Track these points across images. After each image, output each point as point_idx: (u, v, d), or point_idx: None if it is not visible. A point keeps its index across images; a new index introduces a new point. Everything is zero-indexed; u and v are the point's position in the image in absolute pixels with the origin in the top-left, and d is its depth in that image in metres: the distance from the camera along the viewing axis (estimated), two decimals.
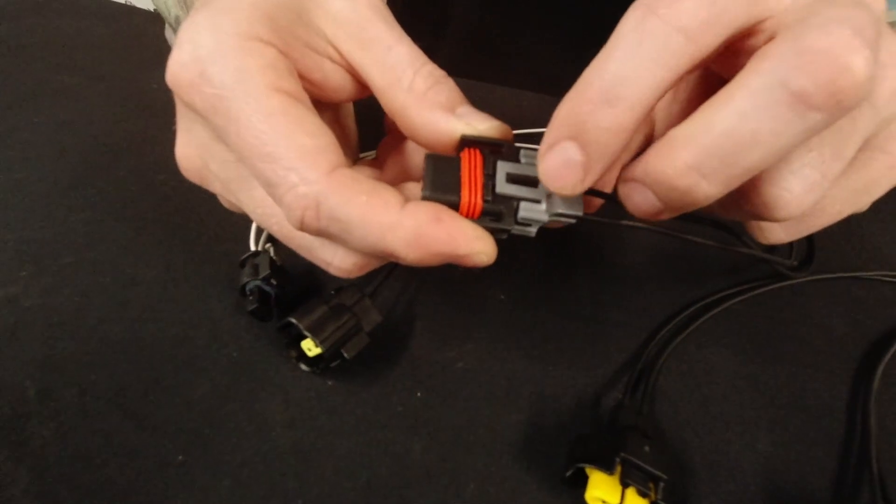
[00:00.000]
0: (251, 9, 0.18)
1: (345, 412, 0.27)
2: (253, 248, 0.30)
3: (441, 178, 0.19)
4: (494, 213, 0.19)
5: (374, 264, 0.21)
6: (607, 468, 0.23)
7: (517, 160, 0.19)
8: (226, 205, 0.23)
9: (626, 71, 0.15)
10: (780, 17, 0.15)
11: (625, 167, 0.18)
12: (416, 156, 0.23)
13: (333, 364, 0.26)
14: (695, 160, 0.15)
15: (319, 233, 0.18)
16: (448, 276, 0.32)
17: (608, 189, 0.21)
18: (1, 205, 0.32)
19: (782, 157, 0.15)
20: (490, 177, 0.19)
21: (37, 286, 0.29)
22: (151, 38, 0.45)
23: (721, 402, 0.29)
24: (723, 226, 0.24)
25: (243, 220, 0.27)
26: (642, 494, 0.23)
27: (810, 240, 0.31)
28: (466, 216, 0.19)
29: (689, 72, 0.16)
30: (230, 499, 0.24)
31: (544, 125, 0.17)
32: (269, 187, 0.18)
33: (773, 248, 0.29)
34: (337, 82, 0.21)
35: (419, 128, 0.20)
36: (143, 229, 0.32)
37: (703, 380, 0.29)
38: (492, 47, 0.50)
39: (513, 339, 0.30)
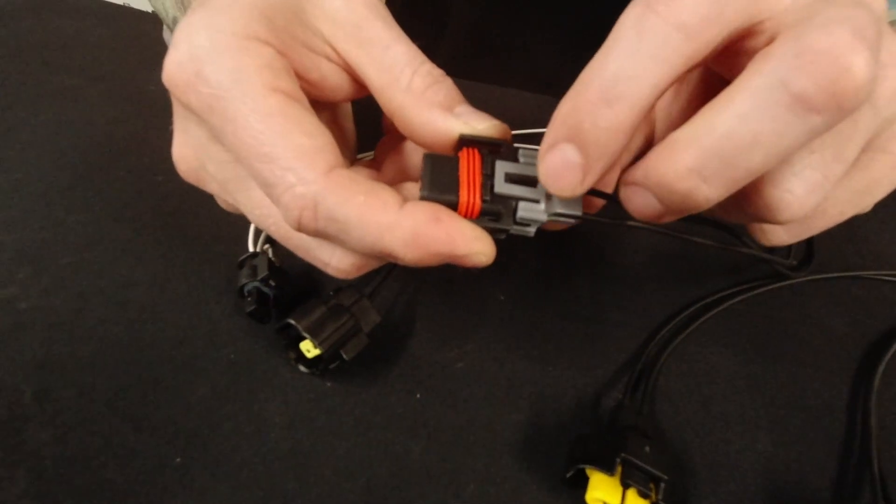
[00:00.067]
0: (248, 8, 0.18)
1: (344, 413, 0.27)
2: (251, 249, 0.30)
3: (439, 177, 0.19)
4: (493, 213, 0.19)
5: (373, 265, 0.21)
6: (608, 469, 0.23)
7: (516, 160, 0.19)
8: (223, 205, 0.23)
9: (625, 70, 0.15)
10: (781, 18, 0.15)
11: (626, 169, 0.18)
12: (414, 156, 0.23)
13: (332, 365, 0.26)
14: (695, 163, 0.15)
15: (317, 233, 0.18)
16: (447, 276, 0.32)
17: (609, 189, 0.21)
18: None
19: (784, 159, 0.15)
20: (489, 177, 0.19)
21: (35, 287, 0.29)
22: (149, 40, 0.45)
23: (721, 401, 0.29)
24: (722, 226, 0.24)
25: (242, 222, 0.27)
26: (643, 495, 0.23)
27: (810, 240, 0.31)
28: (465, 216, 0.18)
29: (689, 70, 0.16)
30: (229, 500, 0.24)
31: (543, 125, 0.17)
32: (267, 188, 0.18)
33: (772, 248, 0.29)
34: (335, 82, 0.21)
35: (417, 127, 0.20)
36: (142, 230, 0.32)
37: (704, 380, 0.29)
38: (491, 47, 0.50)
39: (512, 340, 0.30)
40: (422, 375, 0.28)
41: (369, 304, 0.27)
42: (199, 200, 0.31)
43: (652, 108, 0.16)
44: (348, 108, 0.25)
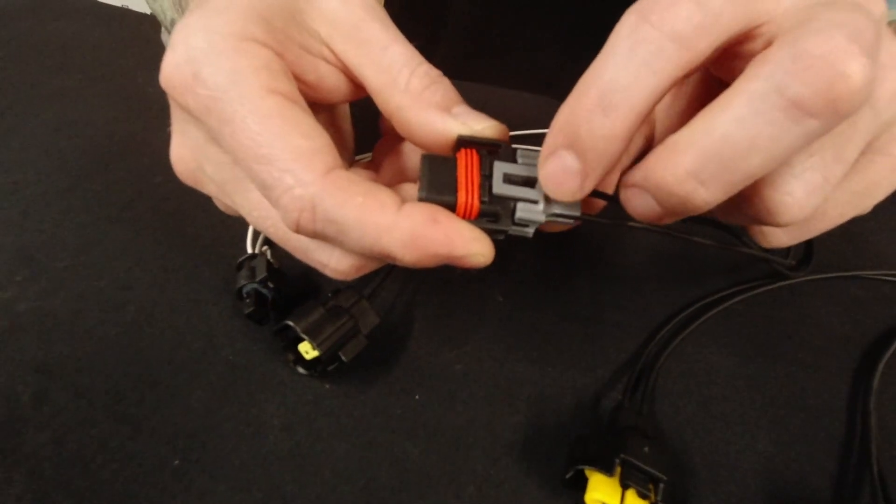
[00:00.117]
0: (245, 10, 0.18)
1: (343, 415, 0.27)
2: (250, 250, 0.30)
3: (437, 178, 0.18)
4: (491, 214, 0.19)
5: (371, 266, 0.21)
6: (607, 469, 0.23)
7: (514, 161, 0.19)
8: (221, 207, 0.23)
9: (620, 79, 0.15)
10: (779, 21, 0.15)
11: (625, 171, 0.18)
12: (412, 157, 0.23)
13: (331, 367, 0.26)
14: (693, 167, 0.15)
15: (315, 235, 0.18)
16: (446, 277, 0.32)
17: (609, 190, 0.21)
18: None
19: (782, 163, 0.15)
20: (487, 177, 0.19)
21: (32, 290, 0.29)
22: (147, 41, 0.45)
23: (721, 402, 0.29)
24: (722, 225, 0.24)
25: (240, 223, 0.27)
26: (642, 496, 0.22)
27: (809, 240, 0.31)
28: (463, 217, 0.18)
29: (685, 77, 0.16)
30: (228, 502, 0.24)
31: (543, 126, 0.17)
32: (265, 189, 0.18)
33: (771, 248, 0.29)
34: (332, 83, 0.21)
35: (415, 128, 0.20)
36: (140, 232, 0.32)
37: (703, 380, 0.29)
38: (490, 47, 0.50)
39: (512, 341, 0.30)
40: (421, 377, 0.28)
41: (368, 305, 0.27)
42: (198, 202, 0.31)
43: (649, 114, 0.16)
44: (346, 109, 0.25)
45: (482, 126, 0.19)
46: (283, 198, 0.17)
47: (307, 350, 0.26)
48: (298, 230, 0.18)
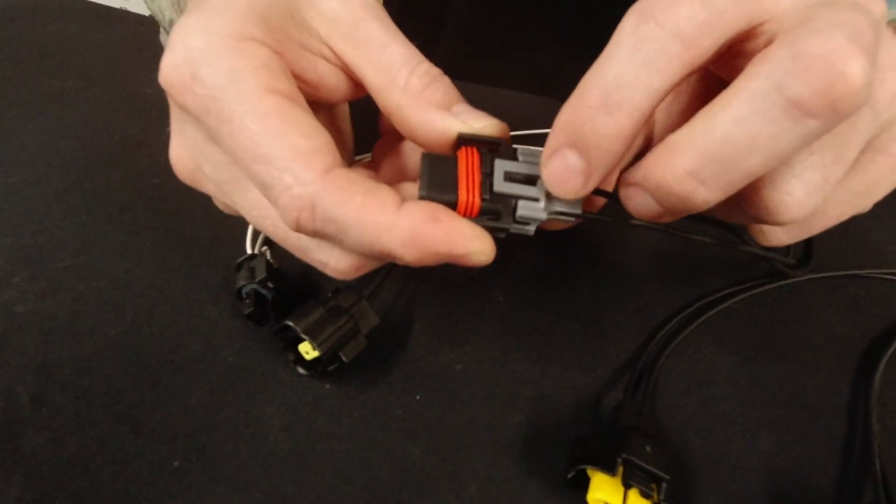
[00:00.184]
0: (244, 9, 0.18)
1: (343, 415, 0.27)
2: (249, 250, 0.30)
3: (438, 177, 0.18)
4: (492, 212, 0.19)
5: (372, 265, 0.21)
6: (609, 469, 0.23)
7: (515, 158, 0.19)
8: (221, 207, 0.23)
9: (623, 78, 0.15)
10: (780, 20, 0.15)
11: (625, 170, 0.18)
12: (412, 156, 0.23)
13: (331, 367, 0.26)
14: (693, 166, 0.15)
15: (315, 234, 0.18)
16: (446, 276, 0.32)
17: (609, 188, 0.21)
18: None
19: (782, 162, 0.15)
20: (488, 175, 0.19)
21: (31, 290, 0.29)
22: (146, 42, 0.45)
23: (722, 401, 0.29)
24: (722, 224, 0.23)
25: (239, 223, 0.27)
26: (645, 495, 0.22)
27: (809, 238, 0.31)
28: (464, 215, 0.18)
29: (688, 76, 0.16)
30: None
31: (543, 126, 0.17)
32: (264, 189, 0.18)
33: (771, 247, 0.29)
34: (332, 82, 0.21)
35: (415, 127, 0.19)
36: (139, 233, 0.32)
37: (704, 379, 0.29)
38: (490, 47, 0.50)
39: (512, 340, 0.30)
40: (421, 377, 0.28)
41: (368, 305, 0.27)
42: (197, 202, 0.31)
43: (652, 113, 0.16)
44: (346, 108, 0.25)
45: (483, 124, 0.19)
46: (283, 197, 0.17)
47: (307, 350, 0.26)
48: (298, 229, 0.18)
